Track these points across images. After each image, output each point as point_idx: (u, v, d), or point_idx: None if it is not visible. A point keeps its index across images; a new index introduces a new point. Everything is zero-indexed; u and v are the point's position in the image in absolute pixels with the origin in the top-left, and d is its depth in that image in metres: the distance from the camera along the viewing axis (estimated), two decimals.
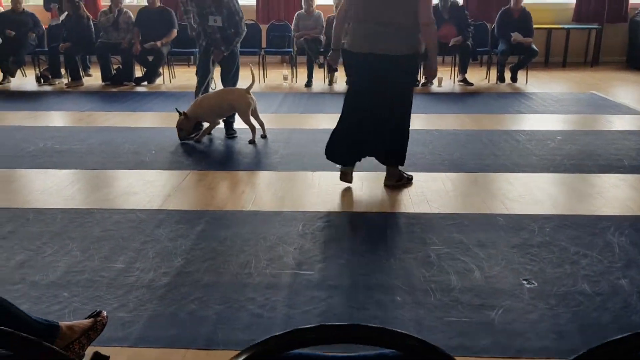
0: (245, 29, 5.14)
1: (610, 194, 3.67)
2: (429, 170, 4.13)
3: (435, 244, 2.99)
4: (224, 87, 5.19)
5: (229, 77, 5.19)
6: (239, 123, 5.09)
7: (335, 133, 3.79)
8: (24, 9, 8.01)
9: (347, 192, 3.76)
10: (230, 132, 5.18)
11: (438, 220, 3.28)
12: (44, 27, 8.38)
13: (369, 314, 2.35)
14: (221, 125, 5.20)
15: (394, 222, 3.26)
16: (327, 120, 5.76)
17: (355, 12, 3.49)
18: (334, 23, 3.76)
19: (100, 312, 2.02)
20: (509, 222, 3.23)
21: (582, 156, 4.44)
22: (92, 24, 8.01)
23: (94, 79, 8.18)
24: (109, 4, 7.94)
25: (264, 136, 5.05)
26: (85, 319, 2.00)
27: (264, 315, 2.35)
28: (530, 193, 3.71)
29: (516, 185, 3.85)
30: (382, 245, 2.97)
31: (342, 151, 3.77)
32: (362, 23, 3.47)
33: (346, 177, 3.78)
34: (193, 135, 5.02)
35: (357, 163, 3.86)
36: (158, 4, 7.87)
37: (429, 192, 3.72)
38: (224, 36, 5.00)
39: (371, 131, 3.67)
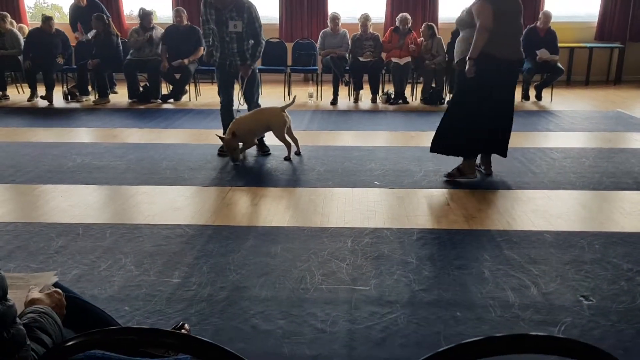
0: (265, 40, 5.13)
1: None
2: (469, 188, 4.14)
3: (487, 260, 2.99)
4: (247, 104, 5.19)
5: (251, 94, 5.15)
6: (271, 140, 5.12)
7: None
8: (56, 29, 8.12)
9: (388, 208, 3.77)
10: (264, 149, 5.22)
11: (486, 237, 3.28)
12: (72, 46, 8.52)
13: (432, 330, 2.35)
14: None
15: (441, 238, 3.27)
16: (357, 138, 5.83)
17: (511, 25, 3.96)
18: (482, 35, 3.91)
19: (183, 324, 2.04)
20: (558, 239, 3.23)
21: (619, 174, 4.44)
22: (120, 41, 8.14)
23: (120, 95, 8.28)
24: (138, 22, 8.07)
25: (298, 153, 5.09)
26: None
27: (327, 330, 2.36)
28: (574, 210, 3.71)
29: (558, 202, 3.85)
30: (433, 261, 2.98)
31: None
32: (516, 35, 4.05)
33: None
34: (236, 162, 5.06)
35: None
36: (185, 22, 7.98)
37: (473, 209, 3.72)
38: (240, 49, 4.93)
39: None
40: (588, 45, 9.30)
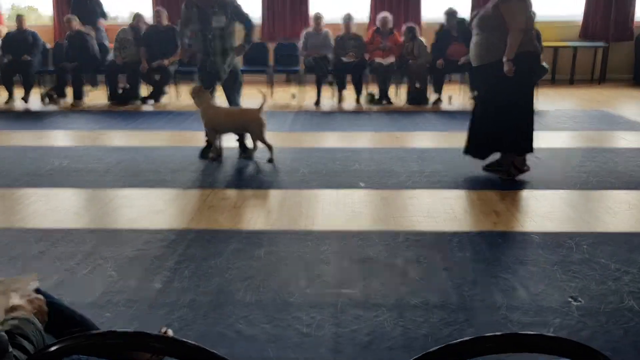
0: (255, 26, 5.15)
1: None
2: (454, 188, 4.11)
3: (473, 261, 2.95)
4: (228, 103, 5.13)
5: (233, 94, 5.11)
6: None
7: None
8: (24, 28, 7.96)
9: (374, 210, 3.72)
10: (246, 150, 5.13)
11: (472, 238, 3.25)
12: (48, 45, 8.37)
13: (419, 333, 2.30)
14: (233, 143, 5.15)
15: (427, 240, 3.23)
16: (342, 139, 5.78)
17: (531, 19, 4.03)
18: (518, 35, 3.94)
19: (166, 331, 1.97)
20: (545, 240, 3.20)
21: (605, 173, 4.44)
22: (95, 42, 8.02)
23: (99, 97, 8.13)
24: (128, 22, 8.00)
25: (270, 160, 4.86)
26: None
27: (312, 334, 2.30)
28: (561, 210, 3.70)
29: (545, 202, 3.83)
30: (420, 263, 2.93)
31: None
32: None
33: None
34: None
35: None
36: (166, 22, 7.87)
37: (459, 210, 3.69)
38: (222, 47, 4.89)
39: None
40: (572, 44, 9.35)
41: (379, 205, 3.80)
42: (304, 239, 3.23)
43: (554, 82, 9.40)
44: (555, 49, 9.35)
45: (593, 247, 3.10)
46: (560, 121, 6.46)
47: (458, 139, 5.60)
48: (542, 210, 3.68)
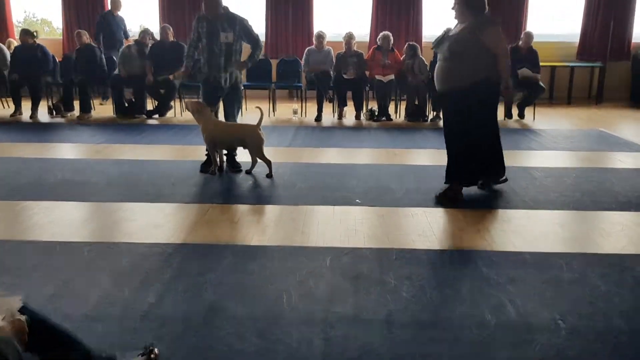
0: (262, 45, 5.25)
1: (634, 232, 3.69)
2: (449, 207, 4.14)
3: (465, 280, 2.99)
4: (225, 118, 5.20)
5: (232, 110, 5.18)
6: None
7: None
8: (37, 44, 8.10)
9: (369, 227, 3.76)
10: (235, 164, 5.18)
11: (465, 257, 3.28)
12: (57, 59, 8.52)
13: (408, 350, 2.33)
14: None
15: (420, 258, 3.26)
16: (340, 155, 5.85)
17: None
18: (508, 57, 4.13)
19: (153, 349, 2.01)
20: (537, 259, 3.23)
21: (600, 193, 4.48)
22: (103, 56, 8.16)
23: (105, 110, 8.25)
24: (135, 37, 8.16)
25: (269, 175, 4.92)
26: (139, 355, 1.99)
27: (302, 349, 2.34)
28: (554, 231, 3.73)
29: (538, 222, 3.86)
30: (411, 280, 2.96)
31: None
32: None
33: None
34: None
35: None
36: (172, 38, 8.00)
37: (453, 228, 3.73)
38: (227, 63, 4.98)
39: None
40: (569, 64, 9.44)
41: (375, 222, 3.84)
42: (297, 254, 3.27)
43: (551, 101, 9.46)
44: (553, 68, 9.44)
45: (584, 267, 3.13)
46: (556, 140, 6.51)
47: None
48: (536, 230, 3.71)
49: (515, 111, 7.90)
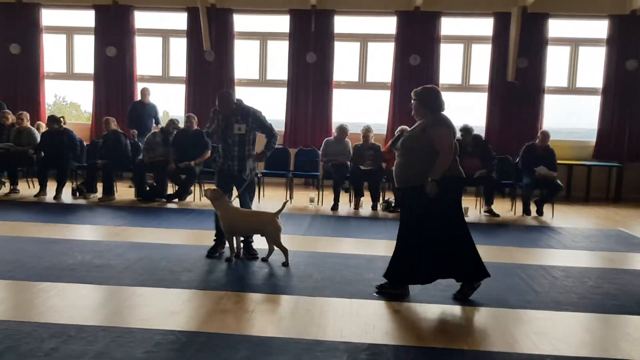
0: (277, 135, 5.43)
1: None
2: (467, 305, 4.07)
3: None
4: (240, 205, 5.27)
5: (245, 199, 5.29)
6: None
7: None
8: (64, 128, 8.44)
9: (387, 322, 3.70)
10: (251, 252, 5.21)
11: (485, 357, 3.19)
12: (85, 143, 8.84)
13: None
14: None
15: (437, 356, 3.18)
16: (357, 245, 5.85)
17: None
18: (448, 158, 4.00)
19: None
20: None
21: (623, 296, 4.39)
22: (128, 142, 8.46)
23: (126, 194, 8.43)
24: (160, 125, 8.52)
25: (286, 264, 4.94)
26: None
27: None
28: (577, 334, 3.64)
29: (560, 324, 3.77)
30: None
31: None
32: None
33: None
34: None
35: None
36: (195, 126, 8.30)
37: (472, 328, 3.66)
38: (241, 153, 5.16)
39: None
40: (586, 163, 9.54)
41: (392, 318, 3.78)
42: (313, 349, 3.21)
43: (569, 199, 9.48)
44: (570, 166, 9.53)
45: None
46: (575, 239, 6.47)
47: (480, 253, 5.64)
48: (559, 333, 3.62)
49: (533, 208, 7.91)
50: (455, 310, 3.96)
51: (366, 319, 3.72)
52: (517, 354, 3.26)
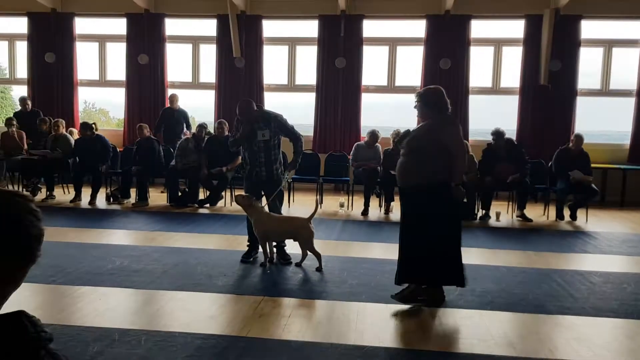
0: (302, 136, 5.48)
1: None
2: (506, 310, 4.05)
3: None
4: (269, 210, 5.31)
5: (275, 204, 5.32)
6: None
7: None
8: (96, 135, 8.61)
9: (426, 328, 3.69)
10: (285, 257, 5.25)
11: None
12: (118, 149, 9.02)
13: None
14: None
15: None
16: (389, 251, 5.79)
17: None
18: (463, 158, 4.11)
19: None
20: None
21: None
22: (161, 148, 8.60)
23: (158, 199, 8.56)
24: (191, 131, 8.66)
25: (319, 269, 4.98)
26: None
27: None
28: (619, 341, 3.58)
29: (601, 331, 3.72)
30: None
31: None
32: None
33: None
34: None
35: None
36: (227, 132, 8.39)
37: (513, 335, 3.62)
38: (267, 158, 5.21)
39: None
40: (621, 166, 9.36)
41: (431, 324, 3.77)
42: (353, 354, 3.22)
43: (603, 203, 9.31)
44: (605, 170, 9.36)
45: None
46: (612, 244, 6.35)
47: (509, 257, 5.60)
48: (600, 339, 3.56)
49: (567, 213, 7.79)
50: (492, 315, 3.92)
51: (404, 324, 3.72)
52: None
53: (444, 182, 4.00)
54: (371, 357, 3.19)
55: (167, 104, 10.25)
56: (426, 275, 4.10)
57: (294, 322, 3.75)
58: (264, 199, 5.37)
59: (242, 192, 5.30)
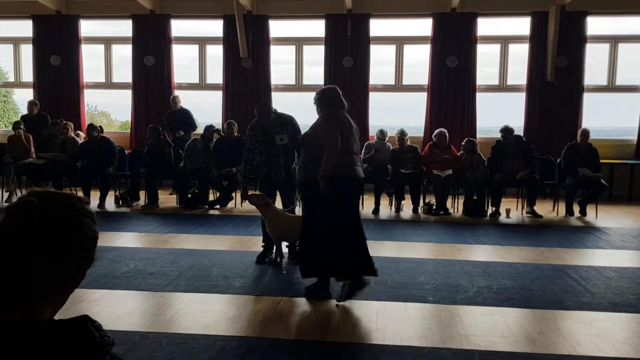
0: None
1: None
2: (525, 307, 4.05)
3: None
4: (283, 206, 5.34)
5: (291, 203, 5.36)
6: None
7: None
8: (101, 137, 8.61)
9: (446, 326, 3.69)
10: (298, 256, 5.24)
11: None
12: (126, 152, 9.02)
13: None
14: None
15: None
16: (402, 249, 5.86)
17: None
18: (334, 154, 4.04)
19: None
20: None
21: None
22: (172, 150, 8.60)
23: (168, 201, 8.57)
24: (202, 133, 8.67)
25: None
26: None
27: None
28: (639, 335, 3.58)
29: (621, 326, 3.72)
30: None
31: None
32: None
33: None
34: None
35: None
36: (236, 133, 8.40)
37: (533, 332, 3.62)
38: (286, 160, 5.23)
39: None
40: (629, 162, 9.35)
41: (450, 321, 3.77)
42: (377, 354, 3.23)
43: (611, 198, 9.29)
44: (611, 165, 9.35)
45: None
46: (625, 239, 6.35)
47: (523, 253, 5.61)
48: (620, 335, 3.57)
49: (576, 208, 7.79)
50: (512, 312, 3.92)
51: (424, 323, 3.73)
52: (580, 357, 3.22)
53: (331, 175, 4.03)
54: (395, 357, 3.20)
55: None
56: (329, 267, 4.15)
57: (314, 322, 3.76)
58: (278, 200, 5.38)
59: (256, 192, 5.30)
